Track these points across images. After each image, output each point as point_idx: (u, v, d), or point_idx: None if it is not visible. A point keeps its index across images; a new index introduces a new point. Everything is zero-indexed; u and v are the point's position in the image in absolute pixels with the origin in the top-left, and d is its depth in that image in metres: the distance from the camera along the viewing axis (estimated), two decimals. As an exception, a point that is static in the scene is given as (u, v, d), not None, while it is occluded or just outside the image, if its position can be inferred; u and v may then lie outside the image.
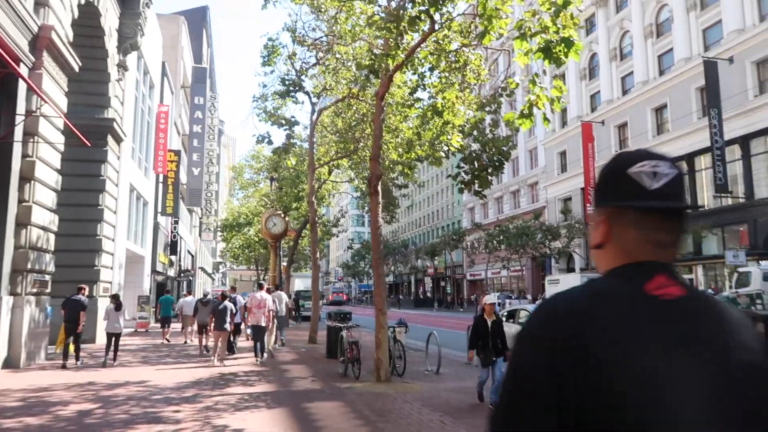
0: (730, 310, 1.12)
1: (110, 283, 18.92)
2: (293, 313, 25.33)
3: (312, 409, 7.90)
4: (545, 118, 6.60)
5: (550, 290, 37.60)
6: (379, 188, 10.84)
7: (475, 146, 11.80)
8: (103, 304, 18.10)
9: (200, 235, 47.98)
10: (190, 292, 21.91)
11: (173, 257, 30.97)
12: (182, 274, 36.13)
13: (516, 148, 11.91)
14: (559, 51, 5.71)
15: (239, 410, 7.78)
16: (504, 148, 11.66)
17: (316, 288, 18.94)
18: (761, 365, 1.05)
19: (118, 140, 19.18)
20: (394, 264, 72.83)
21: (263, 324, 13.44)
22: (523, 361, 1.08)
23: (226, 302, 13.61)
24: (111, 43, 18.45)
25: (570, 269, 45.01)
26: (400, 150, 15.23)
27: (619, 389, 0.98)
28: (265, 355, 13.88)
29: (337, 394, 9.12)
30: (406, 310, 60.97)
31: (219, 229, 29.47)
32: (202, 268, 50.31)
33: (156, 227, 26.93)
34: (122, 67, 19.54)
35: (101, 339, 17.33)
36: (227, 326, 13.26)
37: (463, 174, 11.76)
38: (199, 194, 33.98)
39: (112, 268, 19.08)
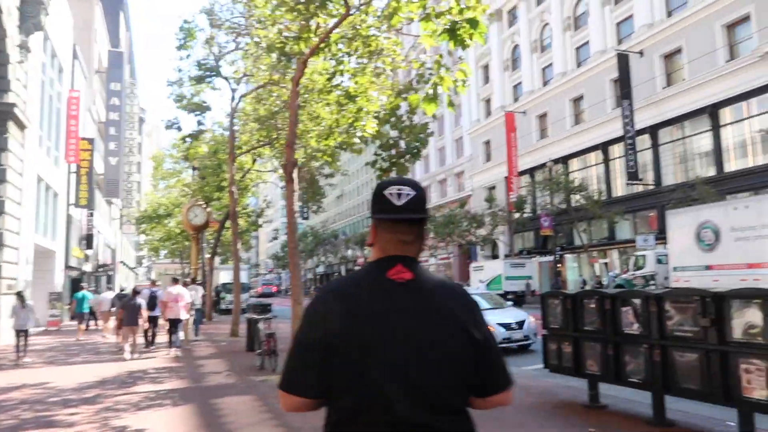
0: (446, 287, 1.65)
1: (15, 279, 17.65)
2: (215, 306, 24.54)
3: (220, 405, 7.57)
4: (450, 103, 6.51)
5: (475, 276, 38.39)
6: (296, 176, 10.54)
7: (393, 133, 11.71)
8: (8, 302, 16.88)
9: (121, 228, 45.85)
10: (110, 288, 20.85)
11: (89, 251, 29.35)
12: (100, 269, 34.37)
13: (433, 135, 11.88)
14: (464, 32, 5.61)
15: (142, 410, 7.35)
16: (421, 136, 11.63)
17: (238, 280, 18.42)
18: (450, 322, 1.57)
19: (21, 127, 17.84)
20: (324, 254, 72.38)
21: (181, 317, 13.56)
22: (301, 333, 1.59)
23: (137, 298, 13.58)
24: (10, 22, 17.09)
25: (494, 256, 46.12)
26: (319, 138, 14.94)
27: (353, 339, 1.51)
28: (178, 349, 13.56)
29: (250, 387, 8.82)
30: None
31: (137, 221, 28.05)
32: (123, 263, 48.12)
33: (69, 220, 25.37)
34: (24, 48, 18.15)
35: (5, 339, 16.24)
36: (140, 321, 13.21)
37: (381, 161, 11.65)
38: (117, 185, 32.33)
39: (17, 264, 17.79)
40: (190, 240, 24.27)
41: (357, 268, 75.16)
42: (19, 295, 13.05)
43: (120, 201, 41.01)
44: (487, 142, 49.52)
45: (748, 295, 5.26)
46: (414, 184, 1.68)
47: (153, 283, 18.19)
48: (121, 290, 19.47)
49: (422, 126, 11.77)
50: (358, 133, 10.96)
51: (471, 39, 5.70)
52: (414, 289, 1.59)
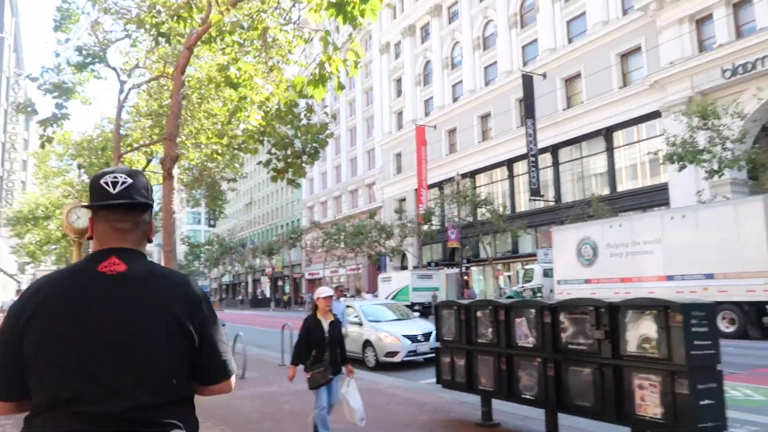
0: (165, 279, 1.64)
1: None
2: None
3: None
4: (339, 85, 5.85)
5: (383, 287, 38.00)
6: (175, 172, 9.48)
7: (290, 132, 10.92)
8: None
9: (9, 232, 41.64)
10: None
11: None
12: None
13: (332, 136, 11.21)
14: (354, 8, 4.97)
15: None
16: (320, 136, 10.93)
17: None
18: (159, 314, 1.56)
19: None
20: (230, 263, 69.74)
21: None
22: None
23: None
24: None
25: (404, 267, 46.07)
26: (211, 136, 13.87)
27: (47, 335, 1.49)
28: None
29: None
30: (241, 310, 58.55)
31: (10, 222, 25.21)
32: (0, 269, 43.65)
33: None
34: None
35: None
36: None
37: (275, 161, 10.82)
38: (-8, 183, 29.14)
39: None
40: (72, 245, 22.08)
41: (264, 277, 73.17)
42: None
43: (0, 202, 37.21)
44: (399, 154, 49.64)
45: (642, 306, 4.92)
46: (131, 172, 1.69)
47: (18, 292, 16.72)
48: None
49: (322, 126, 11.07)
50: (242, 125, 10.02)
51: (363, 16, 5.06)
52: (124, 281, 1.57)
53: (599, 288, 19.74)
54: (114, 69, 16.15)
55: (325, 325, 5.75)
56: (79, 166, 23.44)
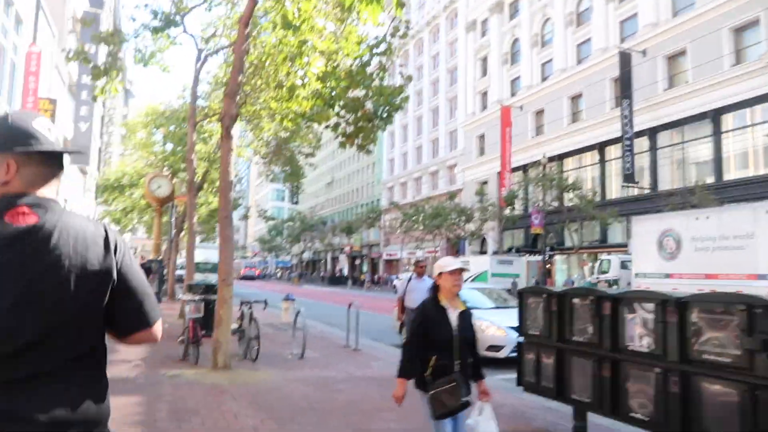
0: (78, 228, 1.49)
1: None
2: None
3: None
4: (399, 3, 4.65)
5: (460, 272, 36.62)
6: (236, 132, 8.66)
7: (360, 94, 9.82)
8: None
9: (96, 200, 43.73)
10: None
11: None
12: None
13: (407, 100, 10.00)
14: None
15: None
16: (394, 99, 9.75)
17: (191, 258, 16.47)
18: (68, 265, 1.45)
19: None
20: (310, 240, 70.45)
21: None
22: None
23: None
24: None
25: (483, 252, 44.40)
26: (280, 100, 13.08)
27: None
28: None
29: (149, 385, 6.95)
30: (319, 287, 58.97)
31: (99, 189, 25.91)
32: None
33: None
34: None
35: None
36: None
37: (344, 124, 9.78)
38: (86, 153, 30.22)
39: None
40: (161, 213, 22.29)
41: (343, 255, 73.44)
42: None
43: (97, 172, 38.88)
44: (482, 136, 47.67)
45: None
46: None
47: None
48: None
49: (397, 88, 9.89)
50: (301, 73, 8.98)
51: None
52: (33, 231, 1.45)
53: (681, 284, 17.91)
54: (192, 36, 15.75)
55: (453, 318, 3.65)
56: (164, 137, 23.62)
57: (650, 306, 4.42)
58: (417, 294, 8.38)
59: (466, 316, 3.76)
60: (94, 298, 1.50)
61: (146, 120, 23.84)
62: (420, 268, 9.16)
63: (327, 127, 9.92)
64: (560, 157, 37.37)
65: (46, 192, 1.53)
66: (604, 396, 4.79)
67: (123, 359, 8.75)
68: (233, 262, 8.35)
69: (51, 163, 1.55)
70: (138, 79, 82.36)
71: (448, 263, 3.83)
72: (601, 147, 35.48)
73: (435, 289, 3.80)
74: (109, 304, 1.54)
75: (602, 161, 35.72)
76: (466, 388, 3.56)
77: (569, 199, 31.51)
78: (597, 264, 25.68)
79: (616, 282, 23.24)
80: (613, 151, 34.62)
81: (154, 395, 6.39)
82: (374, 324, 16.92)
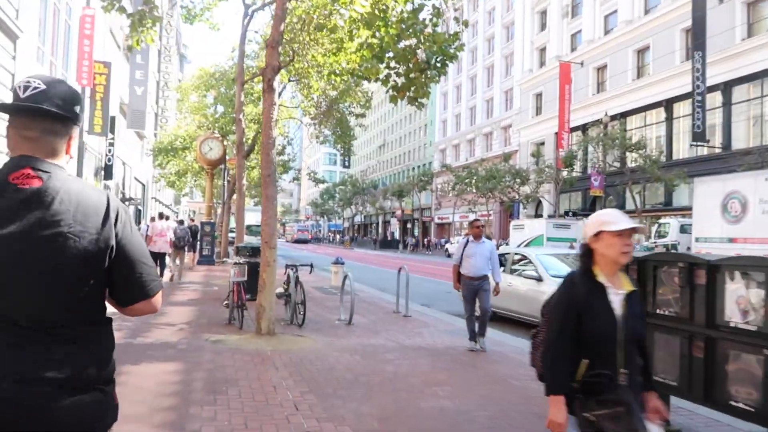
0: (81, 195, 1.53)
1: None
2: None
3: (131, 374, 5.43)
4: None
5: (515, 236, 35.54)
6: (276, 85, 8.11)
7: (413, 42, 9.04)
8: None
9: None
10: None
11: (108, 182, 27.90)
12: (126, 202, 33.13)
13: (462, 49, 9.15)
14: None
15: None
16: (448, 47, 8.93)
17: (241, 220, 16.30)
18: (66, 234, 1.48)
19: (11, 35, 15.85)
20: (362, 204, 70.38)
21: (164, 250, 14.58)
22: None
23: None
24: None
25: (538, 215, 43.04)
26: (327, 53, 12.47)
27: None
28: (174, 276, 15.47)
29: (190, 351, 6.66)
30: (371, 250, 59.04)
31: (153, 152, 26.19)
32: (156, 199, 47.12)
33: (81, 147, 23.73)
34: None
35: None
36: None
37: (394, 76, 9.06)
38: (142, 116, 30.56)
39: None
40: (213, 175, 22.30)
41: (394, 219, 73.11)
42: None
43: (154, 135, 39.54)
44: (539, 95, 45.68)
45: None
46: (50, 80, 1.59)
47: (161, 215, 17.23)
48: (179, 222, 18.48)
49: (451, 36, 9.06)
50: (343, 12, 8.27)
51: None
52: (35, 194, 1.49)
53: (746, 249, 16.75)
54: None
55: (617, 302, 2.42)
56: (214, 99, 23.46)
57: (760, 276, 3.64)
58: (476, 259, 7.54)
59: (633, 299, 2.47)
60: (92, 266, 1.53)
61: (197, 83, 23.72)
62: (476, 229, 7.84)
63: (377, 80, 9.22)
64: (623, 116, 35.25)
65: (53, 158, 1.57)
66: (695, 380, 4.08)
67: (168, 322, 8.56)
68: (276, 223, 7.91)
69: (21, 122, 1.55)
70: (193, 43, 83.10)
71: (614, 218, 2.44)
72: (668, 103, 33.26)
73: (587, 256, 2.49)
74: (109, 274, 1.57)
75: (669, 119, 33.53)
76: (640, 414, 2.33)
77: (632, 159, 29.77)
78: (655, 228, 24.17)
79: (674, 247, 21.94)
80: (682, 108, 32.39)
81: (194, 362, 6.08)
82: (424, 289, 16.45)
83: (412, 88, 9.09)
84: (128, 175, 35.46)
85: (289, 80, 19.47)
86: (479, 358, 7.04)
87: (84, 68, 22.79)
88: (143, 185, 40.99)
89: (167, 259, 15.35)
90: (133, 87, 30.40)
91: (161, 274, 14.96)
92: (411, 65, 8.85)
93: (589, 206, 38.76)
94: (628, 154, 29.76)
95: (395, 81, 9.12)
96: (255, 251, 11.93)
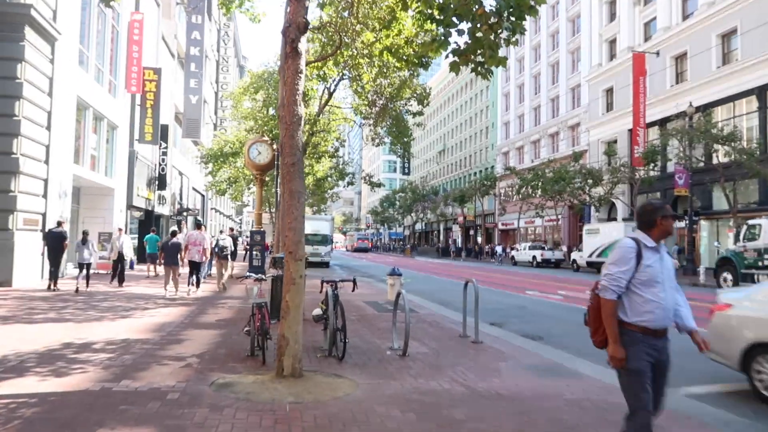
0: None
1: (40, 214, 15.01)
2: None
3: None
4: None
5: (588, 241, 32.47)
6: (302, 48, 6.24)
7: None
8: (27, 238, 14.26)
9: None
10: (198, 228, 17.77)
11: (162, 192, 27.07)
12: (184, 213, 32.42)
13: (545, 1, 6.87)
14: None
15: None
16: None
17: (300, 225, 14.58)
18: None
19: (48, 37, 14.86)
20: (422, 211, 68.14)
21: (197, 259, 14.24)
22: None
23: (175, 238, 14.09)
24: None
25: (611, 218, 39.61)
26: (377, 30, 10.57)
27: None
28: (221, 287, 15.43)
29: (182, 404, 4.76)
30: (431, 258, 56.69)
31: (204, 159, 25.10)
32: (216, 209, 46.73)
33: (132, 156, 22.88)
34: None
35: (24, 279, 13.98)
36: (179, 261, 13.79)
37: (456, 35, 6.97)
38: (197, 125, 29.77)
39: (43, 197, 15.12)
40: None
41: (456, 226, 70.42)
42: (83, 233, 14.42)
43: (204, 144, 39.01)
44: (609, 90, 42.24)
45: None
46: None
47: (231, 229, 17.76)
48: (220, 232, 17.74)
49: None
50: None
51: None
52: None
53: None
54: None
55: None
56: (263, 102, 22.05)
57: None
58: (664, 289, 3.38)
59: None
60: None
61: (246, 85, 22.43)
62: (667, 223, 3.94)
63: (433, 41, 7.16)
64: (706, 107, 31.60)
65: None
66: None
67: (177, 354, 6.77)
68: (303, 227, 6.00)
69: None
70: (252, 53, 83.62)
71: None
72: (761, 91, 29.39)
73: None
74: None
75: (763, 108, 29.62)
76: None
77: (725, 153, 26.26)
78: (743, 229, 20.59)
79: (767, 250, 18.52)
80: (779, 95, 28.56)
81: (176, 426, 4.19)
82: (491, 303, 14.15)
83: (479, 52, 6.97)
84: (186, 185, 34.89)
85: (335, 70, 17.74)
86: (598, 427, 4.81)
87: (133, 75, 21.94)
88: (203, 196, 40.52)
89: (204, 269, 15.23)
90: (187, 96, 29.67)
91: (197, 284, 14.42)
92: (476, 20, 6.75)
93: (671, 207, 35.09)
94: (718, 148, 26.29)
95: (457, 45, 7.03)
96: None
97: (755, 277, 18.15)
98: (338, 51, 13.87)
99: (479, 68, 7.03)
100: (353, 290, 7.39)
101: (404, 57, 13.76)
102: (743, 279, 18.96)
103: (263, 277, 7.29)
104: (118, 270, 15.77)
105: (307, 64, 16.15)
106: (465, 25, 6.91)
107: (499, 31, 6.78)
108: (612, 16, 42.80)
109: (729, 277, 19.92)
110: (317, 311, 7.36)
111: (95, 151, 19.87)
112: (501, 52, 6.76)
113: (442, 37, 6.94)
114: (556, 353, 7.66)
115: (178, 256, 13.60)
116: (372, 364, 6.59)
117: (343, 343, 6.65)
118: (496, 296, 16.24)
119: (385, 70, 14.68)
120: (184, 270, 14.35)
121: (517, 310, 13.40)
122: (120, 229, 17.46)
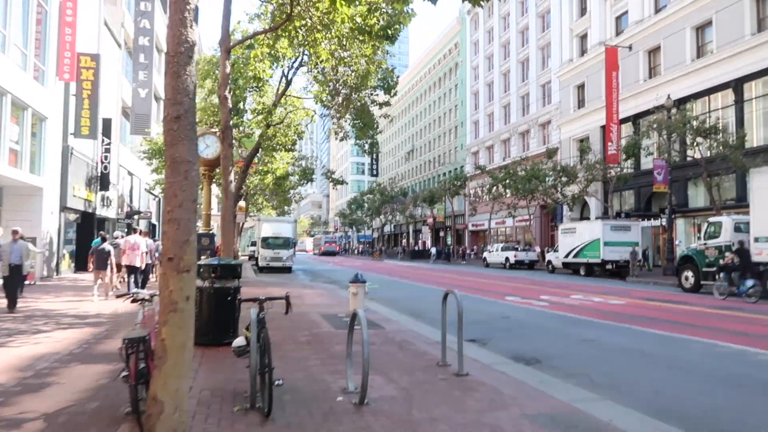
0: None
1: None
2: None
3: None
4: None
5: (564, 241, 30.79)
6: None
7: None
8: None
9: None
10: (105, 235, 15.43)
11: (105, 193, 24.34)
12: (135, 216, 29.63)
13: None
14: None
15: None
16: None
17: (230, 231, 12.34)
18: None
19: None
20: (391, 213, 66.13)
21: (137, 265, 13.69)
22: None
23: (105, 244, 13.76)
24: None
25: (584, 217, 38.21)
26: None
27: None
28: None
29: None
30: (401, 261, 54.67)
31: (146, 154, 22.46)
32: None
33: (66, 152, 20.20)
34: None
35: None
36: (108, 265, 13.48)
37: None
38: (146, 121, 27.06)
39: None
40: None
41: (425, 227, 68.52)
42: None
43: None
44: (581, 86, 40.95)
45: None
46: None
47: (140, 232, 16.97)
48: (108, 238, 15.15)
49: None
50: None
51: None
52: None
53: None
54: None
55: None
56: (208, 91, 19.73)
57: None
58: None
59: None
60: None
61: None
62: None
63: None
64: (681, 102, 30.34)
65: None
66: None
67: (17, 415, 4.48)
68: (194, 220, 3.79)
69: None
70: (206, 38, 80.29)
71: None
72: (737, 84, 28.26)
73: None
74: None
75: (739, 101, 28.47)
76: None
77: (708, 146, 24.88)
78: (704, 227, 19.45)
79: (728, 248, 17.39)
80: (755, 88, 27.43)
81: None
82: (470, 311, 11.96)
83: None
84: (137, 186, 32.07)
85: (299, 62, 15.64)
86: None
87: (66, 60, 19.31)
88: (158, 198, 37.63)
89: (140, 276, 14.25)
90: (136, 89, 26.93)
91: (143, 285, 14.09)
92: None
93: (644, 205, 33.82)
94: (701, 141, 24.86)
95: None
96: (227, 271, 7.88)
97: (716, 276, 17.15)
98: (289, 20, 11.72)
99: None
100: (286, 312, 5.17)
101: (367, 28, 11.71)
102: (704, 278, 18.39)
103: (144, 294, 4.89)
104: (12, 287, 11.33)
105: (255, 35, 13.91)
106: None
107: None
108: (582, 11, 41.54)
109: (690, 275, 18.92)
110: (239, 341, 5.15)
111: (17, 145, 17.18)
112: None
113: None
114: (570, 390, 5.61)
115: (108, 261, 13.38)
116: (313, 422, 4.41)
117: (269, 392, 4.44)
118: (474, 303, 14.20)
119: (344, 42, 12.58)
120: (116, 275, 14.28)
121: (500, 321, 11.39)
122: (15, 232, 12.08)
